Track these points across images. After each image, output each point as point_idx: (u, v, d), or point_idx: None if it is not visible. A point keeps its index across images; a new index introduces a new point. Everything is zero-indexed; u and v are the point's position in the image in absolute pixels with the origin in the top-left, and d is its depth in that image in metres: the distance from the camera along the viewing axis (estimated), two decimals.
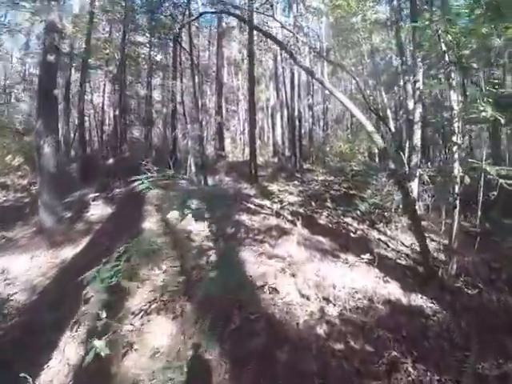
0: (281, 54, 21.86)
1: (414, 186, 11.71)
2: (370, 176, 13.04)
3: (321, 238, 9.21)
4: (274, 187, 14.20)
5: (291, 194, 13.22)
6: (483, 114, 6.72)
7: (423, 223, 10.69)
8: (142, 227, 9.83)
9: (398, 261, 8.34)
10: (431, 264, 7.48)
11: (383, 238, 9.66)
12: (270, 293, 6.56)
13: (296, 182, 15.32)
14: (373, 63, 20.45)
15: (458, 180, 7.33)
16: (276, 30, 17.92)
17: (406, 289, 7.03)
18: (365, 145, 21.24)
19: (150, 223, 10.14)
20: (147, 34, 19.09)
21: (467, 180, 7.13)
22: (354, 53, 21.67)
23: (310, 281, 7.06)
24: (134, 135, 18.41)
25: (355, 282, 7.18)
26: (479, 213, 7.66)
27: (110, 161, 14.38)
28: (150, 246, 8.22)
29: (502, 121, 6.67)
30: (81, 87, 17.03)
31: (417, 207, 11.26)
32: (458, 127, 7.47)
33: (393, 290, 7.03)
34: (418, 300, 6.73)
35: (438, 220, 10.19)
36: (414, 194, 11.47)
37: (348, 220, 10.71)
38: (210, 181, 14.82)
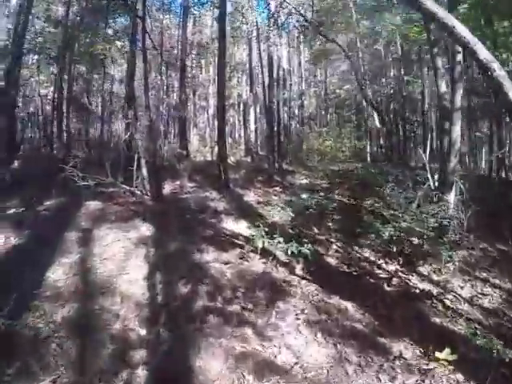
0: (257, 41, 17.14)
1: (451, 198, 7.56)
2: (382, 181, 8.61)
3: (342, 302, 4.80)
4: (250, 197, 9.72)
5: (275, 207, 8.73)
6: None
7: (465, 253, 6.65)
8: (46, 277, 5.16)
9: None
10: None
11: (433, 289, 5.39)
12: None
13: (277, 189, 10.84)
14: (361, 50, 16.10)
15: None
16: None
17: None
18: (347, 142, 17.02)
19: (63, 267, 5.46)
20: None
21: None
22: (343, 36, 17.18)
23: None
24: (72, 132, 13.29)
25: None
26: None
27: (15, 164, 9.44)
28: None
29: None
30: (8, 75, 11.63)
31: (451, 230, 7.12)
32: None
33: None
34: None
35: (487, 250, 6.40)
36: (450, 211, 7.28)
37: (367, 254, 6.36)
38: (166, 188, 10.17)
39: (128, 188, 8.13)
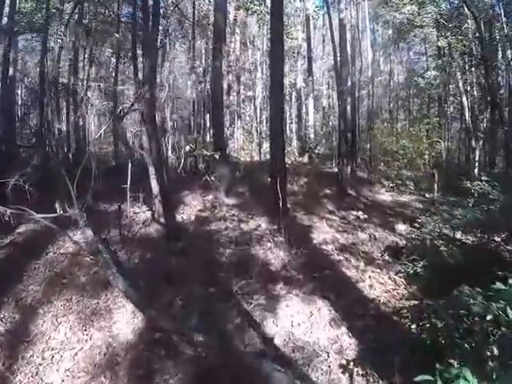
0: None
1: None
2: None
3: None
4: (322, 232, 5.91)
5: (371, 260, 4.83)
6: None
7: None
8: None
9: None
10: None
11: None
12: None
13: (360, 214, 6.97)
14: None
15: None
16: None
17: None
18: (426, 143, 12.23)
19: None
20: None
21: None
22: None
23: None
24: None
25: None
26: None
27: None
28: None
29: None
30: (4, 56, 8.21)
31: None
32: None
33: None
34: None
35: None
36: None
37: None
38: (190, 208, 6.54)
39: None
